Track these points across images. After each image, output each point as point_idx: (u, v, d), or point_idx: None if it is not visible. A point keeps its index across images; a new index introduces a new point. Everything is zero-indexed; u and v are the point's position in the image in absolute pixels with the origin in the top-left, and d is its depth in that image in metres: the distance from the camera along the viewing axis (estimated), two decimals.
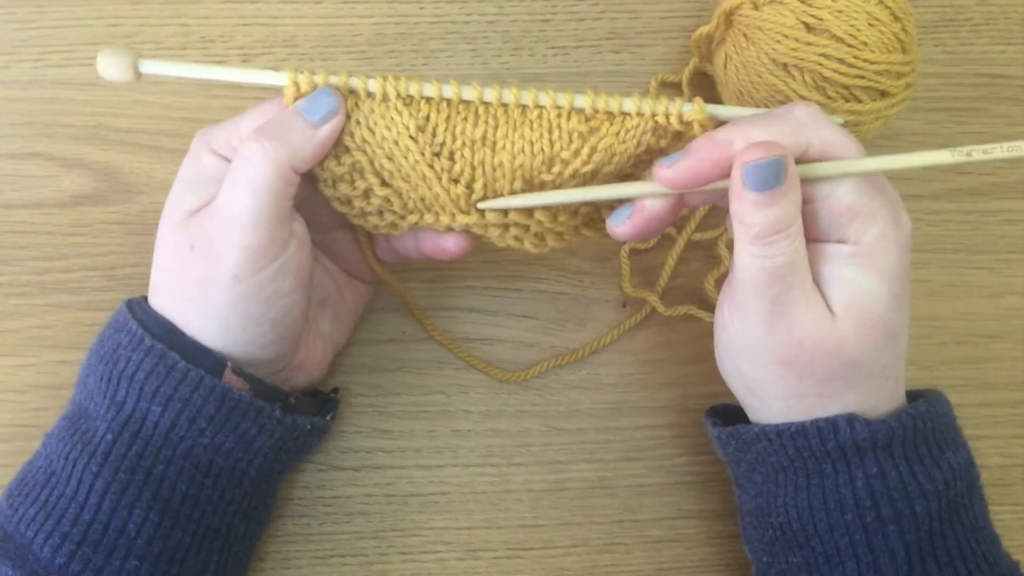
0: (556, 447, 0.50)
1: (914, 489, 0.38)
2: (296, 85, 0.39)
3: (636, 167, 0.42)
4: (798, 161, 0.37)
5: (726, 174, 0.37)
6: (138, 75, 0.40)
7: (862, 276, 0.37)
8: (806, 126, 0.37)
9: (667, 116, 0.40)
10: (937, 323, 0.52)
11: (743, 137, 0.37)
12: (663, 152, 0.41)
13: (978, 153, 0.35)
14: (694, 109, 0.40)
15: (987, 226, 0.53)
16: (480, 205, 0.41)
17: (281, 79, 0.39)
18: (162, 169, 0.51)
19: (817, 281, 0.38)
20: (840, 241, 0.38)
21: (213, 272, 0.38)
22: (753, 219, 0.36)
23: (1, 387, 0.49)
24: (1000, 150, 0.35)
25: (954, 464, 0.39)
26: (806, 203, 0.37)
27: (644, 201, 0.40)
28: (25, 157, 0.51)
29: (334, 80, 0.39)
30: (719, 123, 0.40)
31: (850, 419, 0.38)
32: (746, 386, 0.41)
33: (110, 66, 0.39)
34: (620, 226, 0.40)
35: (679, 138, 0.41)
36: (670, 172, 0.38)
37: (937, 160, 0.37)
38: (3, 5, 0.51)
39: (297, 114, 0.38)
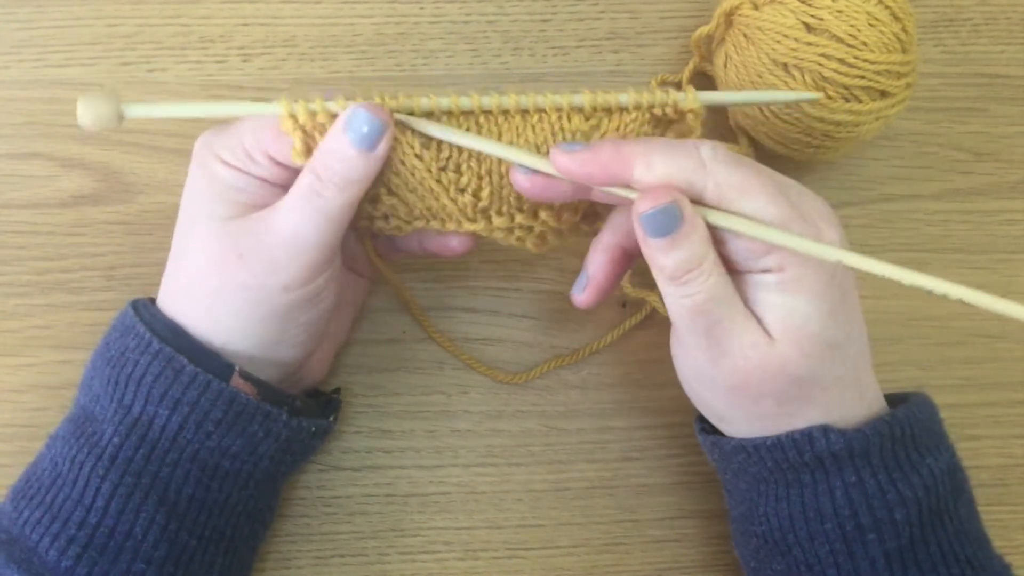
0: (556, 447, 0.50)
1: (893, 497, 0.38)
2: (293, 117, 0.38)
3: None
4: (697, 203, 0.37)
5: (614, 183, 0.37)
6: (121, 120, 0.39)
7: (791, 300, 0.37)
8: (705, 167, 0.37)
9: (663, 108, 0.40)
10: (937, 323, 0.52)
11: (645, 160, 0.36)
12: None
13: (866, 267, 0.35)
14: (688, 99, 0.40)
15: (987, 226, 0.53)
16: (398, 118, 0.39)
17: (276, 110, 0.38)
18: (162, 169, 0.51)
19: (749, 307, 0.38)
20: (764, 271, 0.37)
21: (264, 281, 0.38)
22: (662, 262, 0.37)
23: (1, 387, 0.49)
24: (883, 271, 0.35)
25: (935, 470, 0.39)
26: (720, 242, 0.37)
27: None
28: (25, 157, 0.51)
29: (331, 107, 0.38)
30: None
31: (825, 430, 0.38)
32: (713, 413, 0.42)
33: (91, 116, 0.38)
34: (522, 176, 0.39)
35: (674, 124, 0.41)
36: (564, 159, 0.37)
37: (822, 254, 0.36)
38: (3, 5, 0.51)
39: (349, 144, 0.38)
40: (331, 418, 0.45)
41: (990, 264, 0.53)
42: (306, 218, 0.38)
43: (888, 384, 0.42)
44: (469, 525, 0.49)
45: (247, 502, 0.42)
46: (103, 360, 0.40)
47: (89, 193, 0.51)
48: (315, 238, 0.38)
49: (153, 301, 0.42)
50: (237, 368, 0.39)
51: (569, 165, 0.37)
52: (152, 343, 0.39)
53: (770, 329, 0.37)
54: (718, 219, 0.37)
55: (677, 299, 0.37)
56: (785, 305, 0.37)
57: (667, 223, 0.36)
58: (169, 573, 0.38)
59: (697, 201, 0.37)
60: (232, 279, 0.39)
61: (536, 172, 0.39)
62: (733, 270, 0.38)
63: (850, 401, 0.39)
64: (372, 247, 0.46)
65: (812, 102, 0.45)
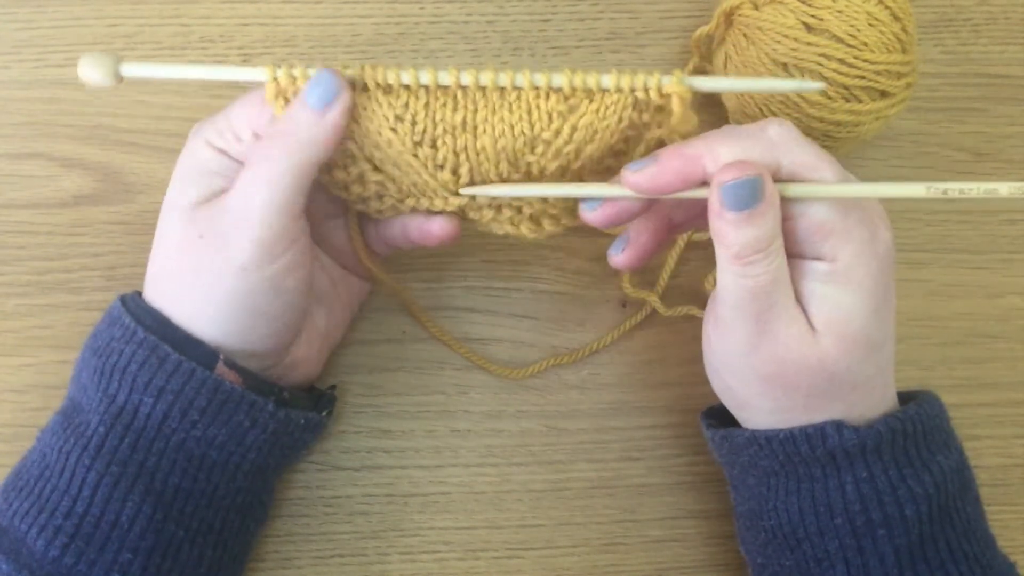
0: (556, 447, 0.50)
1: (904, 493, 0.38)
2: (276, 80, 0.39)
3: (626, 142, 0.41)
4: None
5: (691, 186, 0.37)
6: (119, 79, 0.39)
7: (840, 293, 0.37)
8: (777, 147, 0.37)
9: (646, 91, 0.39)
10: (937, 323, 0.52)
11: (711, 154, 0.37)
12: (647, 126, 0.41)
13: (954, 192, 0.35)
14: (672, 82, 0.39)
15: (987, 226, 0.53)
16: (462, 191, 0.41)
17: (261, 75, 0.39)
18: (162, 169, 0.51)
19: (797, 296, 0.38)
20: (817, 258, 0.38)
21: (222, 262, 0.38)
22: (733, 239, 0.36)
23: (1, 387, 0.49)
24: (976, 190, 0.35)
25: (945, 467, 0.39)
26: (782, 220, 0.37)
27: None
28: (25, 157, 0.51)
29: (312, 73, 0.39)
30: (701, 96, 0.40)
31: (838, 425, 0.38)
32: (734, 400, 0.41)
33: (91, 71, 0.39)
34: (591, 212, 0.40)
35: (661, 110, 0.40)
36: (635, 177, 0.38)
37: (911, 193, 0.36)
38: (3, 5, 0.51)
39: (304, 106, 0.38)
40: (324, 413, 0.45)
41: (990, 264, 0.53)
42: (253, 187, 0.38)
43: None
44: (469, 525, 0.49)
45: (236, 495, 0.42)
46: (90, 351, 0.40)
47: (89, 193, 0.51)
48: (263, 209, 0.38)
49: (141, 294, 0.42)
50: (221, 356, 0.39)
51: (640, 182, 0.37)
52: (137, 332, 0.39)
53: (814, 321, 0.37)
54: (798, 191, 0.36)
55: (737, 279, 0.37)
56: (832, 297, 0.37)
57: (748, 196, 0.35)
58: (156, 564, 0.38)
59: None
60: (195, 262, 0.39)
61: (601, 203, 0.39)
62: (786, 254, 0.38)
63: (873, 401, 0.39)
64: (363, 246, 0.46)
65: (811, 101, 0.45)
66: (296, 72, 0.39)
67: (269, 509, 0.45)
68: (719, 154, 0.36)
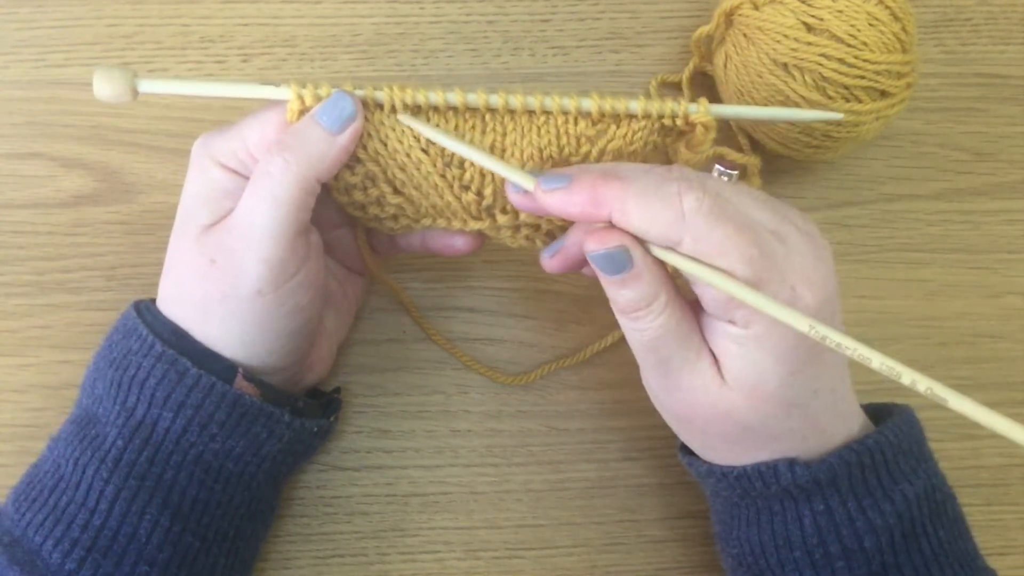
0: (556, 447, 0.50)
1: (862, 525, 0.37)
2: (300, 99, 0.38)
3: (645, 162, 0.42)
4: (671, 249, 0.35)
5: (591, 221, 0.36)
6: (135, 95, 0.39)
7: (753, 354, 0.36)
8: (683, 220, 0.34)
9: (673, 119, 0.40)
10: (937, 323, 0.52)
11: (620, 206, 0.35)
12: (665, 148, 0.41)
13: (832, 343, 0.33)
14: (699, 111, 0.40)
15: (987, 226, 0.53)
16: (400, 118, 0.39)
17: (285, 94, 0.38)
18: (162, 169, 0.51)
19: (711, 345, 0.37)
20: (730, 322, 0.36)
21: (236, 286, 0.38)
22: (614, 296, 0.37)
23: (1, 387, 0.49)
24: (852, 351, 0.33)
25: (910, 494, 0.38)
26: (693, 282, 0.36)
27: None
28: (25, 157, 0.51)
29: (335, 92, 0.38)
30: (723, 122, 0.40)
31: (790, 463, 0.38)
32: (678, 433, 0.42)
33: (106, 87, 0.38)
34: (549, 260, 0.41)
35: (683, 135, 0.41)
36: (546, 198, 0.36)
37: (793, 322, 0.34)
38: (3, 5, 0.51)
39: (315, 123, 0.38)
40: (332, 418, 0.45)
41: (990, 264, 0.53)
42: (256, 203, 0.37)
43: (888, 384, 0.41)
44: (469, 525, 0.49)
45: (250, 503, 0.42)
46: (106, 362, 0.40)
47: (89, 193, 0.51)
48: (268, 227, 0.37)
49: (155, 301, 0.42)
50: (241, 370, 0.39)
51: (549, 203, 0.36)
52: (155, 346, 0.38)
53: (726, 375, 0.37)
54: (684, 264, 0.35)
55: (629, 331, 0.38)
56: (745, 357, 0.36)
57: (613, 265, 0.36)
58: (172, 574, 0.38)
59: (672, 248, 0.35)
60: (212, 289, 0.38)
61: (559, 251, 0.40)
62: (702, 311, 0.37)
63: (811, 444, 0.38)
64: (368, 248, 0.46)
65: (812, 101, 0.45)
66: (322, 91, 0.38)
67: (276, 513, 0.46)
68: (628, 209, 0.35)
